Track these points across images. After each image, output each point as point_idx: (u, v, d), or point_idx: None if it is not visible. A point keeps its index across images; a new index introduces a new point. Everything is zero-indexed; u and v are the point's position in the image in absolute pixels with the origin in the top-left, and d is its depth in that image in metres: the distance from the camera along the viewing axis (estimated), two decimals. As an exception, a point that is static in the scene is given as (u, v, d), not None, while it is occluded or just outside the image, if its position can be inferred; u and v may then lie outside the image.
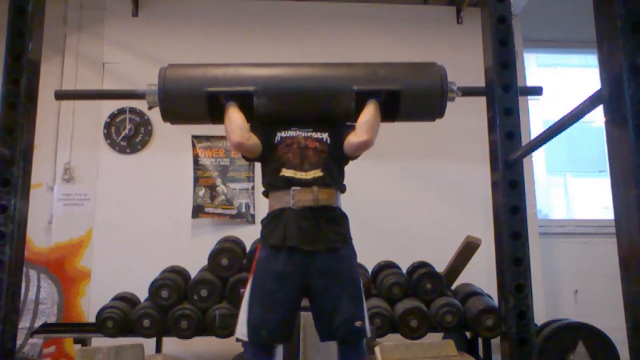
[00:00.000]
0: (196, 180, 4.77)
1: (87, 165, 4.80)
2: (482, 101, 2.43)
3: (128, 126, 4.84)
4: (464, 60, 4.84)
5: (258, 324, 1.98)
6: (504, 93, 2.27)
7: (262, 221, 2.14)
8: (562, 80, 5.69)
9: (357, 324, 2.00)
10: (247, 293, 2.05)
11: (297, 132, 2.14)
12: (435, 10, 5.31)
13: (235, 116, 2.11)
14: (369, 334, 2.06)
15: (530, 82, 5.37)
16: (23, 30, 2.12)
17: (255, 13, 5.15)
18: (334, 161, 2.14)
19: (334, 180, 2.11)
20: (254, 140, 2.11)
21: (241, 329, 2.01)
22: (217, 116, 2.23)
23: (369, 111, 2.13)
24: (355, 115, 2.17)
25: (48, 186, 4.72)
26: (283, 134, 2.14)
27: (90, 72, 4.90)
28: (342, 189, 2.18)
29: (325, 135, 2.15)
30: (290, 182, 2.04)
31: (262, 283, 2.02)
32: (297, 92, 2.19)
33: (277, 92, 2.19)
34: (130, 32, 5.00)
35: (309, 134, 2.14)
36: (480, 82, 2.46)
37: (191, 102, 2.21)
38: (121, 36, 4.99)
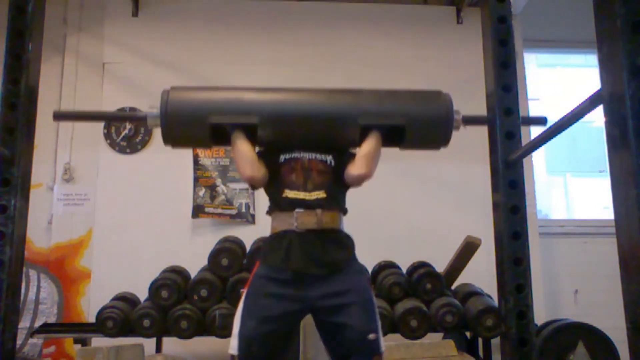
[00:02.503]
0: (196, 180, 4.77)
1: (87, 165, 4.80)
2: (482, 101, 2.43)
3: (128, 126, 4.83)
4: (464, 60, 4.86)
5: (250, 338, 1.91)
6: (504, 93, 2.27)
7: (264, 240, 2.14)
8: (562, 80, 5.69)
9: (371, 336, 1.92)
10: (239, 308, 1.99)
11: (302, 154, 2.12)
12: (435, 10, 5.31)
13: (244, 148, 2.09)
14: (382, 349, 1.97)
15: (530, 82, 5.37)
16: (23, 30, 2.12)
17: (255, 13, 5.14)
18: (338, 183, 2.12)
19: (337, 203, 2.10)
20: (263, 171, 2.10)
21: (232, 343, 1.94)
22: (219, 141, 2.23)
23: (370, 144, 2.11)
24: (359, 145, 2.16)
25: (48, 186, 4.73)
26: (287, 155, 2.12)
27: (90, 72, 4.90)
28: (345, 212, 2.16)
29: (329, 158, 2.13)
30: (294, 204, 2.02)
31: (258, 299, 1.97)
32: (301, 124, 2.18)
33: (281, 123, 2.17)
34: (130, 32, 5.00)
35: (313, 156, 2.12)
36: (481, 82, 2.46)
37: (194, 130, 2.19)
38: (121, 36, 4.99)
